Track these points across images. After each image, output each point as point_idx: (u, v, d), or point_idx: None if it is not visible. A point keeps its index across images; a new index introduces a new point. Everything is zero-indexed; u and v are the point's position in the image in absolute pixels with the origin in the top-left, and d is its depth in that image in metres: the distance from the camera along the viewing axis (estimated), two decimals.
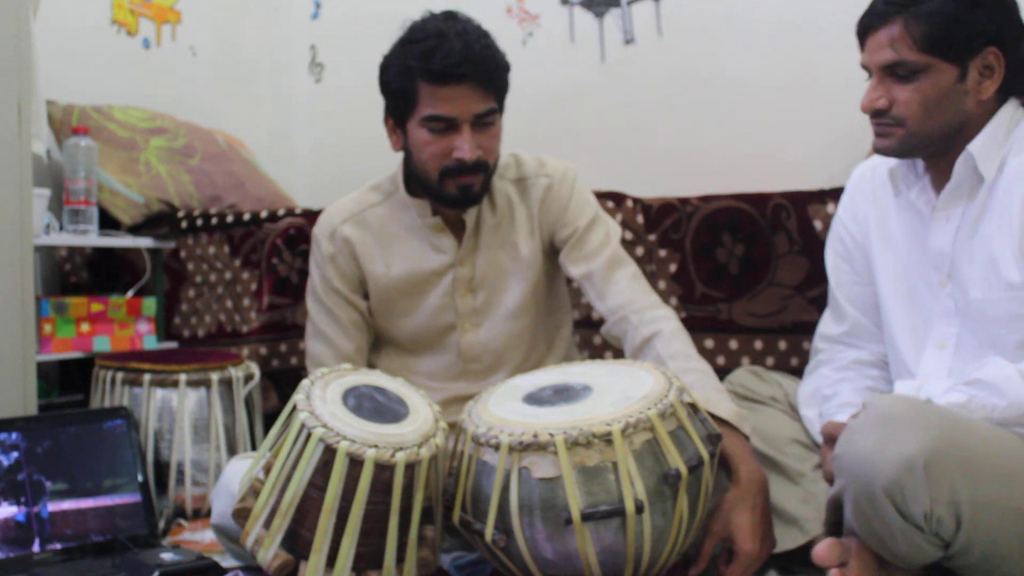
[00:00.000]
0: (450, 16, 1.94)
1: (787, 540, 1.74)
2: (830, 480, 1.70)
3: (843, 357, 1.94)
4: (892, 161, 1.83)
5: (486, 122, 1.94)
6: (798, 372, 2.07)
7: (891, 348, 1.88)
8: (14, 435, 1.93)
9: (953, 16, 1.64)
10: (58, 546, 1.88)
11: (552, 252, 2.10)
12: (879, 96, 1.72)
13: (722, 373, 1.90)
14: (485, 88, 1.91)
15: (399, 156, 2.08)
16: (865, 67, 1.76)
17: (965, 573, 1.54)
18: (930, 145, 1.73)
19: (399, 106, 1.97)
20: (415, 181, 2.05)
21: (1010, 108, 1.72)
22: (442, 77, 1.88)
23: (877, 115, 1.73)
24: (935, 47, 1.66)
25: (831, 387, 1.89)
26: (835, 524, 1.68)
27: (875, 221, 1.90)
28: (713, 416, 1.72)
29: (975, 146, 1.69)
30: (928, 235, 1.78)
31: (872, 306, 1.92)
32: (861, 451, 1.48)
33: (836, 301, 1.98)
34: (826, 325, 2.00)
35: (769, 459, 1.84)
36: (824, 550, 1.56)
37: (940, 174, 1.77)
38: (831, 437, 1.73)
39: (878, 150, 1.78)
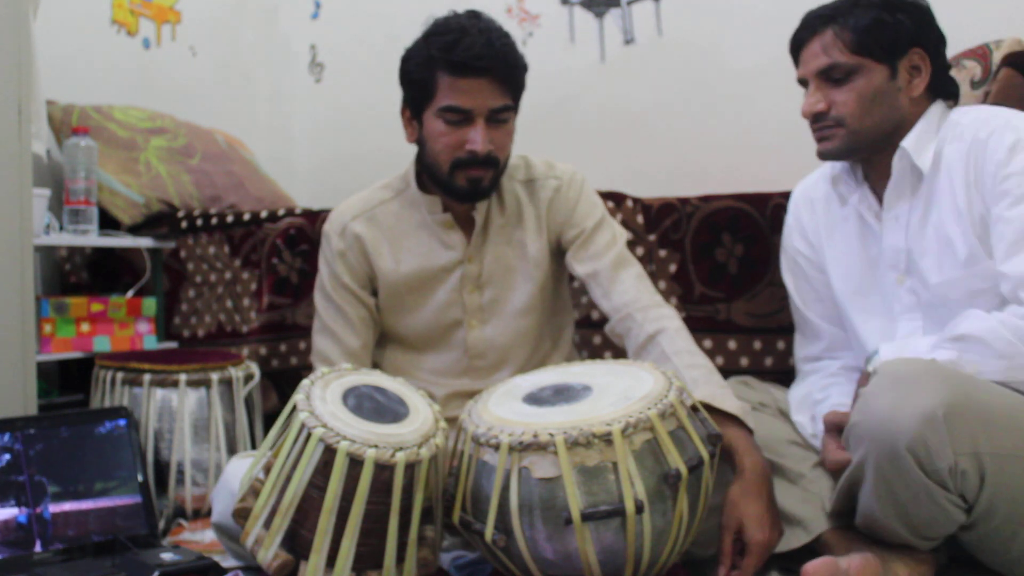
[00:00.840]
0: (473, 15, 1.99)
1: (791, 539, 1.75)
2: (834, 470, 1.72)
3: (830, 366, 1.99)
4: (828, 174, 1.97)
5: (500, 118, 1.97)
6: (792, 373, 2.08)
7: (862, 352, 1.90)
8: (14, 435, 1.93)
9: (877, 20, 1.78)
10: (58, 546, 1.88)
11: (559, 253, 2.11)
12: (817, 100, 1.83)
13: (721, 373, 1.89)
14: (503, 84, 1.96)
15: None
16: (801, 80, 1.89)
17: (982, 546, 1.56)
18: (871, 143, 1.83)
19: (417, 96, 2.01)
20: (427, 175, 2.08)
21: (938, 107, 1.84)
22: (462, 69, 1.92)
23: (817, 119, 1.85)
24: (865, 48, 1.78)
25: (822, 391, 1.94)
26: (844, 513, 1.69)
27: (824, 235, 1.99)
28: (718, 411, 1.73)
29: (908, 142, 1.80)
30: (879, 237, 1.88)
31: (840, 318, 1.99)
32: (880, 412, 1.52)
33: (807, 321, 2.05)
34: (803, 348, 2.07)
35: (768, 462, 1.84)
36: (816, 568, 1.57)
37: (880, 176, 1.87)
38: (834, 425, 1.77)
39: (821, 153, 1.87)
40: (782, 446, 1.89)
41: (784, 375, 2.22)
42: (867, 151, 1.86)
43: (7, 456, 1.90)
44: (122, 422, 2.07)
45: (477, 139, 1.95)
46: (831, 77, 1.82)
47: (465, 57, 1.92)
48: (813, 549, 1.74)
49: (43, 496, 1.91)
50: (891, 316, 1.87)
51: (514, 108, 2.01)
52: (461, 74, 1.93)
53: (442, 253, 2.08)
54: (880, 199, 1.88)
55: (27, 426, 1.95)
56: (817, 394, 1.94)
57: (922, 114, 1.83)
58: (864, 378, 1.72)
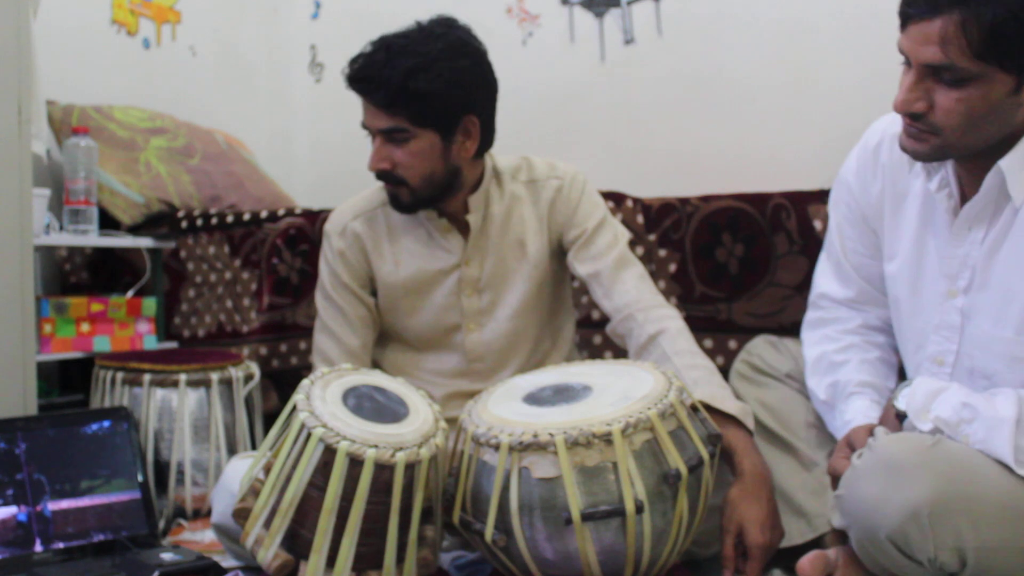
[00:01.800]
0: (417, 31, 1.94)
1: (794, 534, 1.73)
2: (832, 475, 1.66)
3: (849, 320, 1.85)
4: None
5: (395, 138, 1.94)
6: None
7: (898, 343, 1.82)
8: (14, 435, 1.93)
9: (1019, 17, 1.38)
10: (58, 546, 1.88)
11: (560, 253, 2.11)
12: (917, 98, 1.49)
13: (722, 373, 1.89)
14: (386, 108, 1.91)
15: None
16: (902, 52, 1.50)
17: None
18: (968, 155, 1.55)
19: None
20: None
21: None
22: (352, 86, 1.95)
23: (912, 117, 1.51)
24: (994, 53, 1.40)
25: (840, 354, 1.81)
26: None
27: (889, 202, 1.73)
28: (718, 411, 1.73)
29: (1007, 163, 1.50)
30: (945, 237, 1.63)
31: (878, 277, 1.80)
32: (865, 497, 1.46)
33: (841, 266, 1.85)
34: (829, 285, 1.88)
35: (783, 441, 1.82)
36: (808, 564, 1.56)
37: (970, 176, 1.59)
38: (852, 444, 1.67)
39: (905, 151, 1.58)
40: (801, 428, 1.84)
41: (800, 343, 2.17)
42: (961, 158, 1.57)
43: (7, 456, 1.90)
44: (122, 422, 2.07)
45: (371, 157, 1.97)
46: (940, 75, 1.45)
47: (348, 76, 1.94)
48: (817, 545, 1.71)
49: (43, 496, 1.91)
50: (927, 326, 1.67)
51: (409, 131, 1.92)
52: (353, 91, 1.95)
53: (440, 256, 2.08)
54: (963, 194, 1.60)
55: (27, 426, 1.95)
56: (835, 356, 1.81)
57: None
58: (888, 411, 1.64)
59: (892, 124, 1.69)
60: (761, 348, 2.03)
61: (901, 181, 1.71)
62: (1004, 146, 1.51)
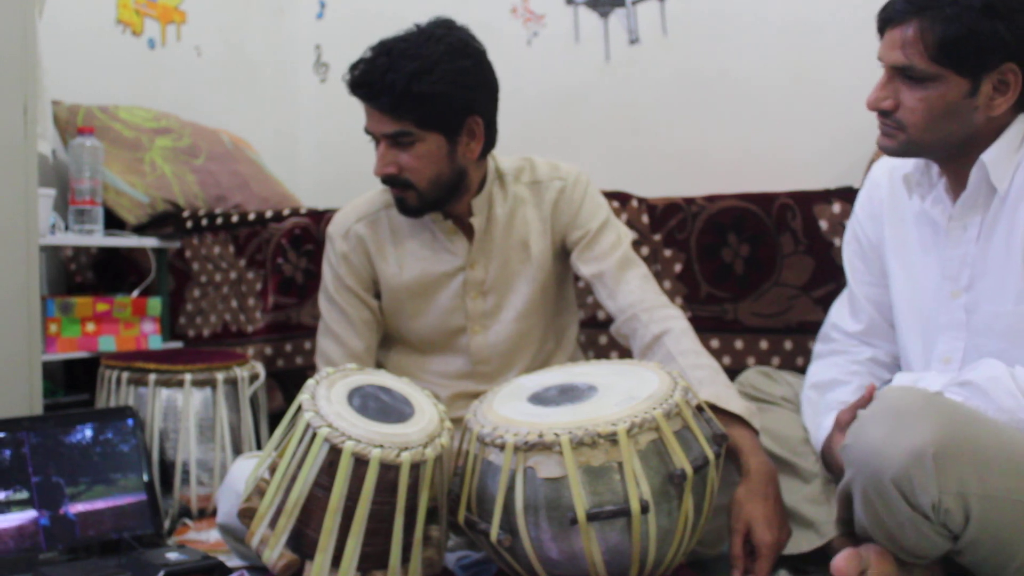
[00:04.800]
0: (417, 33, 1.94)
1: (802, 542, 1.74)
2: (839, 469, 1.68)
3: (859, 353, 1.91)
4: (909, 164, 1.78)
5: (401, 142, 1.93)
6: (804, 372, 2.07)
7: (902, 356, 1.87)
8: (19, 435, 1.94)
9: (971, 27, 1.55)
10: (64, 545, 1.89)
11: (563, 254, 2.11)
12: (885, 96, 1.66)
13: (728, 373, 1.89)
14: (391, 112, 1.90)
15: None
16: (879, 59, 1.69)
17: (978, 568, 1.54)
18: (933, 152, 1.70)
19: None
20: None
21: (1022, 123, 1.65)
22: (353, 92, 1.94)
23: (882, 114, 1.68)
24: (948, 58, 1.58)
25: (844, 376, 1.88)
26: (848, 521, 1.68)
27: (890, 225, 1.85)
28: (724, 411, 1.73)
29: (989, 156, 1.63)
30: (944, 244, 1.73)
31: (887, 307, 1.89)
32: (871, 442, 1.49)
33: (855, 297, 1.93)
34: (843, 318, 1.95)
35: (781, 460, 1.83)
36: (843, 562, 1.56)
37: (956, 181, 1.71)
38: (846, 423, 1.71)
39: (880, 147, 1.74)
40: (799, 445, 1.86)
41: (796, 374, 2.20)
42: (933, 157, 1.72)
43: (12, 456, 1.91)
44: (127, 422, 2.07)
45: (376, 162, 1.96)
46: (905, 75, 1.62)
47: (350, 82, 1.93)
48: (825, 552, 1.72)
49: (49, 495, 1.91)
50: (935, 329, 1.75)
51: (414, 134, 1.92)
52: (356, 97, 1.94)
53: (444, 259, 2.07)
54: (955, 202, 1.72)
55: (33, 426, 1.95)
56: (838, 376, 1.88)
57: (1000, 129, 1.63)
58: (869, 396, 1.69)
59: (892, 161, 1.86)
60: (753, 378, 2.06)
61: (900, 206, 1.83)
62: (973, 149, 1.64)
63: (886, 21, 1.65)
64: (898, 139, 1.67)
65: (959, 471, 1.42)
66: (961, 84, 1.60)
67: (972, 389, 1.56)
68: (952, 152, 1.67)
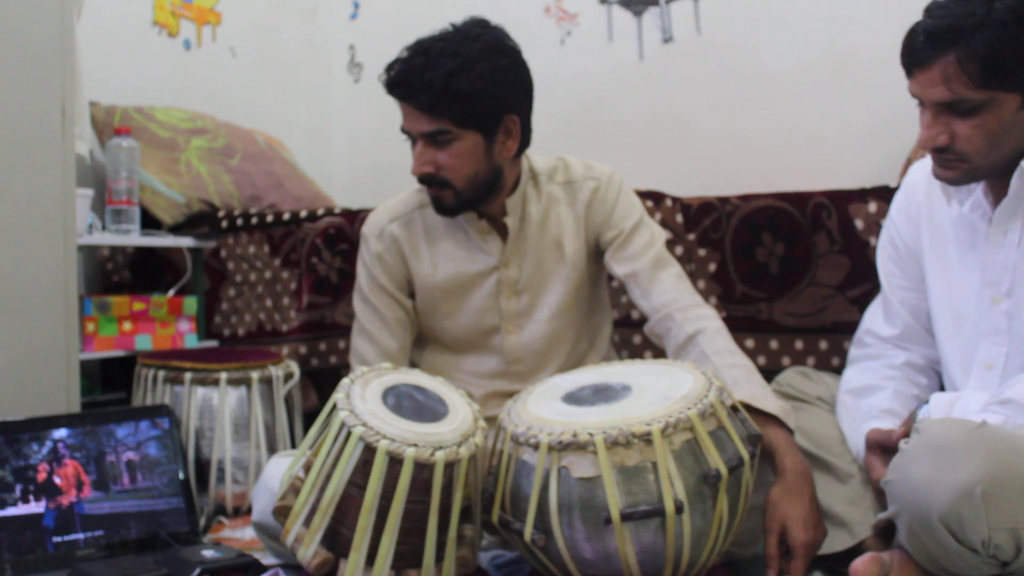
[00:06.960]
0: (454, 33, 1.93)
1: (835, 542, 1.72)
2: (876, 485, 1.68)
3: (894, 357, 1.90)
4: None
5: (440, 140, 1.93)
6: (840, 372, 2.05)
7: (942, 362, 1.85)
8: (58, 432, 1.96)
9: (1008, 43, 1.54)
10: (100, 542, 1.90)
11: (597, 254, 2.10)
12: (938, 133, 1.62)
13: (763, 373, 1.88)
14: (428, 111, 1.90)
15: None
16: (914, 95, 1.66)
17: None
18: (995, 172, 1.66)
19: None
20: None
21: None
22: (390, 92, 1.94)
23: (938, 150, 1.65)
24: (994, 79, 1.56)
25: (880, 381, 1.86)
26: (885, 531, 1.66)
27: (928, 230, 1.84)
28: (758, 411, 1.72)
29: None
30: (984, 250, 1.72)
31: (923, 312, 1.88)
32: (916, 480, 1.45)
33: (889, 301, 1.92)
34: (877, 323, 1.95)
35: (818, 459, 1.82)
36: (862, 565, 1.55)
37: (995, 186, 1.70)
38: (876, 443, 1.72)
39: (939, 179, 1.70)
40: (835, 444, 1.85)
41: (834, 375, 2.18)
42: (995, 176, 1.68)
43: (51, 452, 1.93)
44: (164, 420, 2.09)
45: (414, 162, 1.96)
46: (955, 109, 1.59)
47: (388, 82, 1.93)
48: (857, 551, 1.70)
49: (86, 492, 1.93)
50: (976, 335, 1.73)
51: (452, 133, 1.91)
52: (394, 97, 1.94)
53: (478, 258, 2.07)
54: (994, 207, 1.71)
55: (70, 423, 1.97)
56: (874, 382, 1.86)
57: None
58: (909, 421, 1.66)
59: (928, 164, 1.79)
60: (792, 378, 2.04)
61: (938, 212, 1.81)
62: (1020, 157, 1.62)
63: (918, 60, 1.62)
64: (961, 169, 1.64)
65: (1009, 507, 1.38)
66: (1012, 100, 1.58)
67: (1013, 407, 1.52)
68: (1009, 166, 1.64)
